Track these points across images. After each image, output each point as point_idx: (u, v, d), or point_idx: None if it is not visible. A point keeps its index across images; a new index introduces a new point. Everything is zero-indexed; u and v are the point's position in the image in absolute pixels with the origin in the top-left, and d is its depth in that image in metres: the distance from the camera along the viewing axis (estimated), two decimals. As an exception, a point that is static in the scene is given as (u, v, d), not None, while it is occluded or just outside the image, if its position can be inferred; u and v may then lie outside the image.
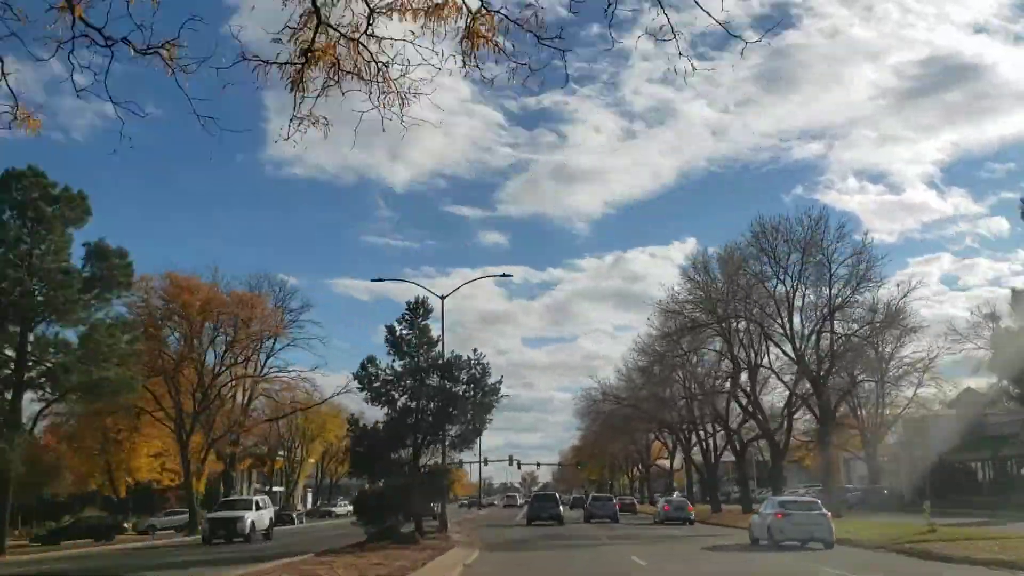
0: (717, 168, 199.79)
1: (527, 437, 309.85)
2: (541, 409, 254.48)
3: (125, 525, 56.21)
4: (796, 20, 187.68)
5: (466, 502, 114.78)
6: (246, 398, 57.96)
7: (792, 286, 45.44)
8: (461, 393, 29.57)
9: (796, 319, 46.66)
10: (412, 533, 27.13)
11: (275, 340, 57.81)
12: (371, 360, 29.27)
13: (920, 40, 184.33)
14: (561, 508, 52.16)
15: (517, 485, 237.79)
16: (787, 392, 55.44)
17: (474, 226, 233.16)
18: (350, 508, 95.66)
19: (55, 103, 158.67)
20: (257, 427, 62.68)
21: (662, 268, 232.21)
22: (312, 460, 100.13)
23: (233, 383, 56.47)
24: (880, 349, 43.66)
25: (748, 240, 46.56)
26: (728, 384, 60.90)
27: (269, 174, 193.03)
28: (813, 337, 46.78)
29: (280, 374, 57.01)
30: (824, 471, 47.77)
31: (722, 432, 72.05)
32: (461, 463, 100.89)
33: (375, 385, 28.90)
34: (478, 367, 29.61)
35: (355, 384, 29.23)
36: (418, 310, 29.80)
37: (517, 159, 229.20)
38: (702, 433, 72.19)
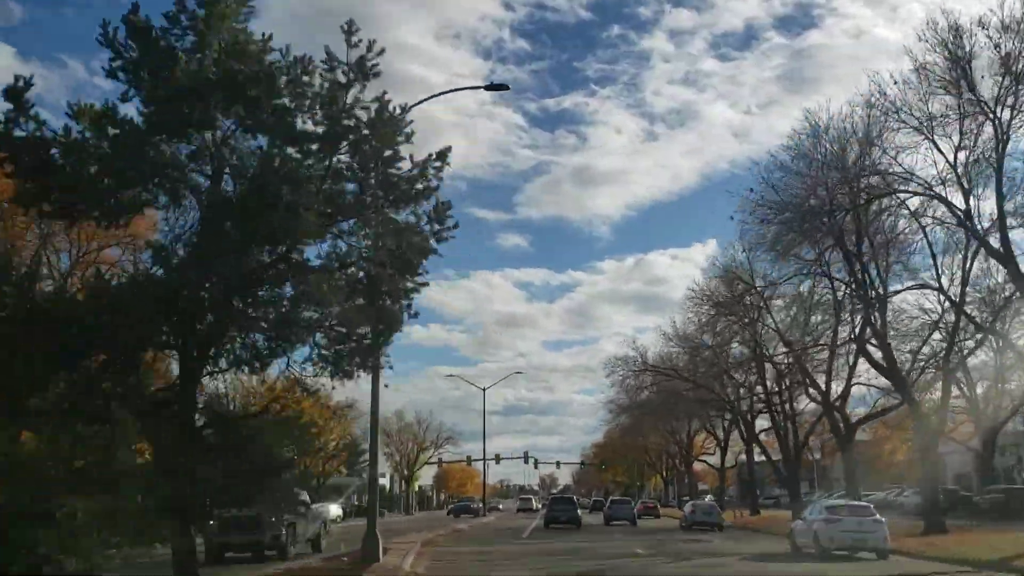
0: (739, 170, 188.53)
1: (546, 440, 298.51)
2: (561, 412, 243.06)
3: None
4: (819, 20, 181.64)
5: (453, 506, 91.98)
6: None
7: (1004, 131, 24.63)
8: (319, 189, 8.97)
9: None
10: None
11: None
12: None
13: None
14: (579, 511, 49.26)
15: (535, 487, 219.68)
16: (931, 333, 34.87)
17: (494, 229, 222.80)
18: (337, 513, 76.08)
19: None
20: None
21: (683, 271, 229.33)
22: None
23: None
24: None
25: (918, 58, 25.54)
26: (835, 332, 40.43)
27: None
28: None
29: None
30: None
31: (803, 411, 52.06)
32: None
33: (40, 156, 8.73)
34: (373, 105, 9.20)
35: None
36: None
37: (538, 161, 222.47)
38: (778, 413, 51.51)
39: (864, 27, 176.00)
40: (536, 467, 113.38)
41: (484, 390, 59.42)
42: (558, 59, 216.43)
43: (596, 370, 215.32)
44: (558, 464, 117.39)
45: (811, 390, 44.72)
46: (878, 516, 23.02)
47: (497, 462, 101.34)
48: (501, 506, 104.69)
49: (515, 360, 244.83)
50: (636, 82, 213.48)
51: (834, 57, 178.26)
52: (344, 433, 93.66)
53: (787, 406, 50.13)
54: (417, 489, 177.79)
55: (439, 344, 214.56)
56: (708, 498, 66.45)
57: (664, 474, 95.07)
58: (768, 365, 47.70)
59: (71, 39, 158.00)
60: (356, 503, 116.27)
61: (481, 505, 68.73)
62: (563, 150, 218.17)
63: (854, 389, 42.02)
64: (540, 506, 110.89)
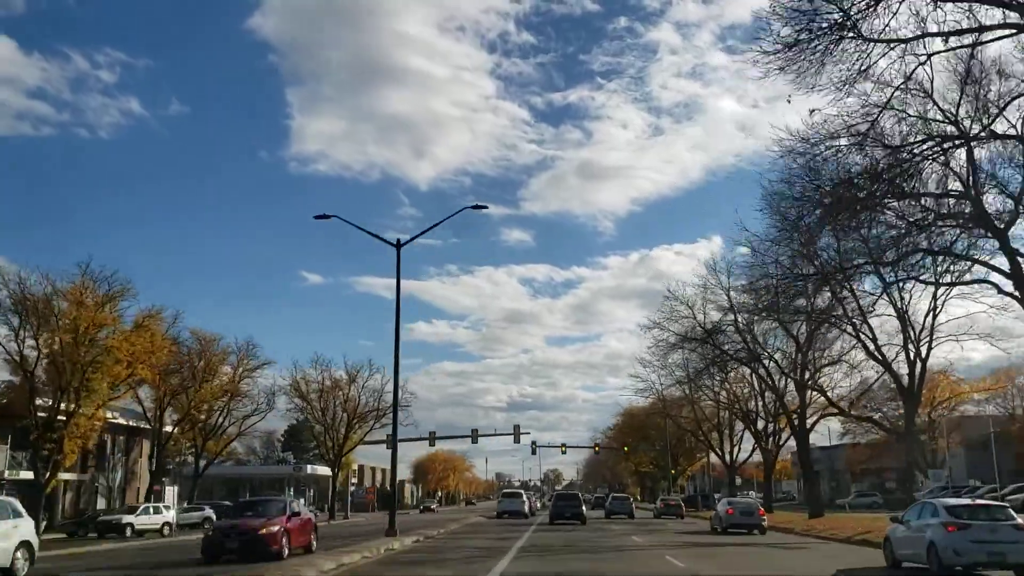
0: (745, 165, 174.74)
1: (549, 436, 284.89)
2: (564, 408, 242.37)
3: None
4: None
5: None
6: None
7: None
8: None
9: None
10: None
11: None
12: None
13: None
14: (584, 507, 45.21)
15: (539, 484, 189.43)
16: None
17: (498, 224, 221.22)
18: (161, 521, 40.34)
19: (81, 100, 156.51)
20: None
21: (688, 266, 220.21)
22: (97, 420, 45.67)
23: None
24: None
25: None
26: None
27: (293, 171, 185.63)
28: None
29: None
30: None
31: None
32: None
33: None
34: None
35: None
36: None
37: (543, 156, 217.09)
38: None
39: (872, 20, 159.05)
40: (534, 451, 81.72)
41: (398, 246, 25.44)
42: (564, 52, 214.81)
43: (598, 366, 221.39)
44: (563, 449, 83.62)
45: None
46: (1019, 520, 16.59)
47: (474, 441, 68.05)
48: (435, 506, 71.27)
49: (519, 357, 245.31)
50: (642, 75, 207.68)
51: (841, 50, 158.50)
52: (236, 388, 60.00)
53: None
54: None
55: (444, 340, 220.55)
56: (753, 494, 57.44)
57: (730, 456, 59.93)
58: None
59: (73, 31, 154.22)
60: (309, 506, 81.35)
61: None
62: (568, 145, 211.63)
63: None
64: (540, 506, 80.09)
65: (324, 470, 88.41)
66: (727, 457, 59.61)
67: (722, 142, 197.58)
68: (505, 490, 64.04)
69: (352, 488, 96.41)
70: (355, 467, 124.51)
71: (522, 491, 60.22)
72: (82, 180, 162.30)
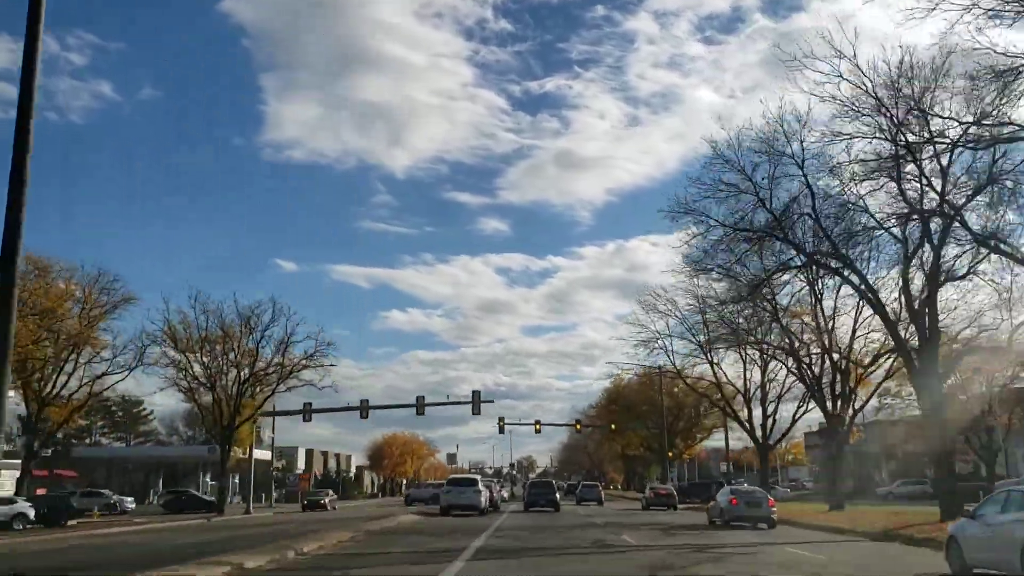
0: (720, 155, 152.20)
1: (523, 426, 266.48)
2: (538, 397, 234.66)
3: None
4: (805, 3, 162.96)
5: None
6: None
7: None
8: None
9: None
10: None
11: None
12: None
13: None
14: (558, 495, 45.01)
15: (512, 471, 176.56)
16: None
17: (475, 213, 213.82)
18: None
19: (51, 83, 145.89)
20: None
21: (664, 257, 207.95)
22: None
23: None
24: None
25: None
26: None
27: (267, 158, 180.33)
28: None
29: None
30: None
31: None
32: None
33: None
34: None
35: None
36: None
37: (520, 145, 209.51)
38: None
39: (851, 11, 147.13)
40: (501, 430, 66.03)
41: None
42: (541, 40, 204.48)
43: (574, 356, 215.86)
44: (537, 427, 67.53)
45: None
46: None
47: (420, 412, 51.32)
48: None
49: (494, 346, 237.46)
50: (620, 65, 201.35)
51: (821, 41, 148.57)
52: (85, 333, 42.62)
53: None
54: (353, 471, 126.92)
55: (419, 329, 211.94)
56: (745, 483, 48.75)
57: (763, 430, 43.73)
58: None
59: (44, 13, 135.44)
60: (169, 497, 60.46)
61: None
62: (546, 134, 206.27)
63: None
64: (508, 495, 65.36)
65: (258, 453, 71.41)
66: (758, 431, 43.47)
67: (699, 132, 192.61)
68: (452, 476, 46.60)
69: (277, 474, 79.45)
70: (304, 451, 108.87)
71: (477, 478, 42.90)
72: (52, 163, 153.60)
